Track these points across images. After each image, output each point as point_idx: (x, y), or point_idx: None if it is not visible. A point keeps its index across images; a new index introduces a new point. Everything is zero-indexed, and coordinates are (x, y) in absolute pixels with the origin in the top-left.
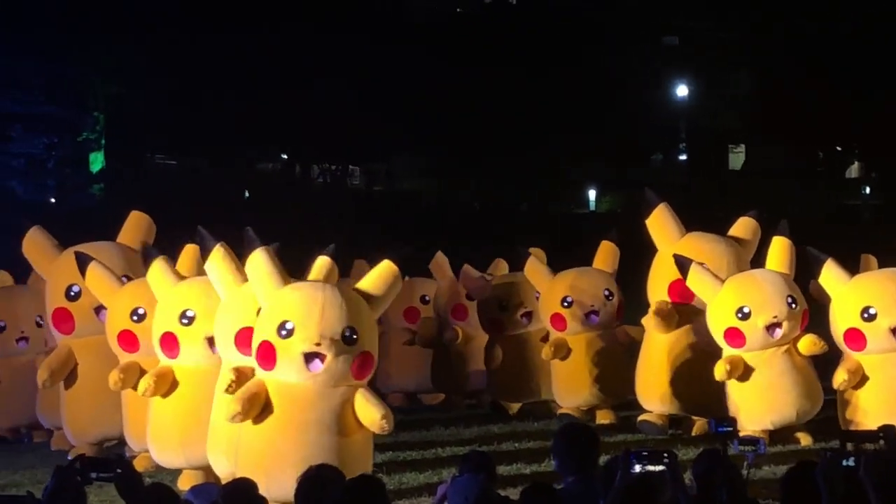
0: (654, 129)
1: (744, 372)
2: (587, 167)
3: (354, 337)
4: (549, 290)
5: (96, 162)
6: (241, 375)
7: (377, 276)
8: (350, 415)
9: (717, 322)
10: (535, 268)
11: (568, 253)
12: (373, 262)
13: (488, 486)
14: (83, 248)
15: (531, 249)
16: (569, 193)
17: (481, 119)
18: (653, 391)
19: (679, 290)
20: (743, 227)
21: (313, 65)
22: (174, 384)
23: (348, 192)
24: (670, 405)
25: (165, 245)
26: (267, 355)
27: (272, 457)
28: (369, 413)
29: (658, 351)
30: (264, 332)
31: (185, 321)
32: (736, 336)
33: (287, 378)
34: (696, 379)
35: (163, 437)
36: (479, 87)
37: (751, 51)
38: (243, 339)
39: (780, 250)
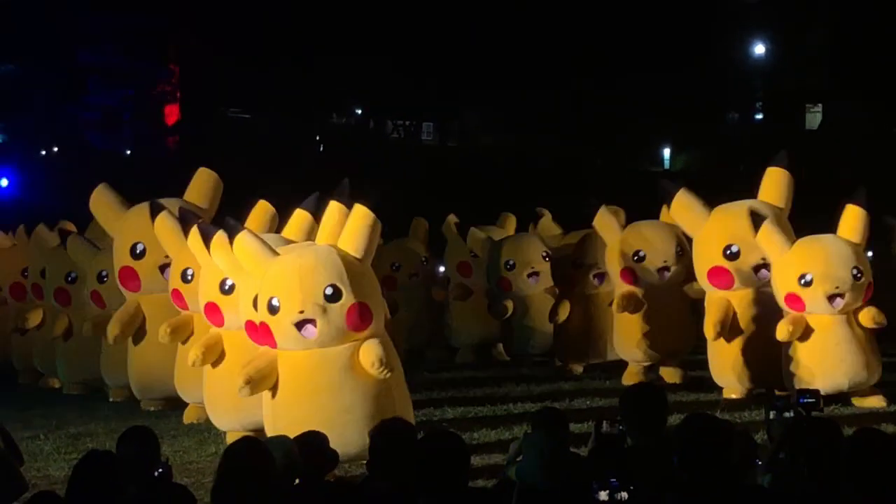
0: (730, 87)
1: (804, 332)
2: (662, 125)
3: (339, 294)
4: (619, 243)
5: (171, 114)
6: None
7: (352, 227)
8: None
9: (780, 286)
10: (604, 220)
11: (642, 210)
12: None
13: (562, 442)
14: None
15: (611, 207)
16: (643, 151)
17: (555, 75)
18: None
19: (716, 276)
20: (771, 181)
21: (388, 19)
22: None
23: (421, 148)
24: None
25: (237, 198)
26: (266, 334)
27: (299, 425)
28: (364, 358)
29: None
30: (261, 313)
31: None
32: (796, 301)
33: (294, 348)
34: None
35: (217, 400)
36: (552, 43)
37: (829, 6)
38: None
39: (852, 218)
